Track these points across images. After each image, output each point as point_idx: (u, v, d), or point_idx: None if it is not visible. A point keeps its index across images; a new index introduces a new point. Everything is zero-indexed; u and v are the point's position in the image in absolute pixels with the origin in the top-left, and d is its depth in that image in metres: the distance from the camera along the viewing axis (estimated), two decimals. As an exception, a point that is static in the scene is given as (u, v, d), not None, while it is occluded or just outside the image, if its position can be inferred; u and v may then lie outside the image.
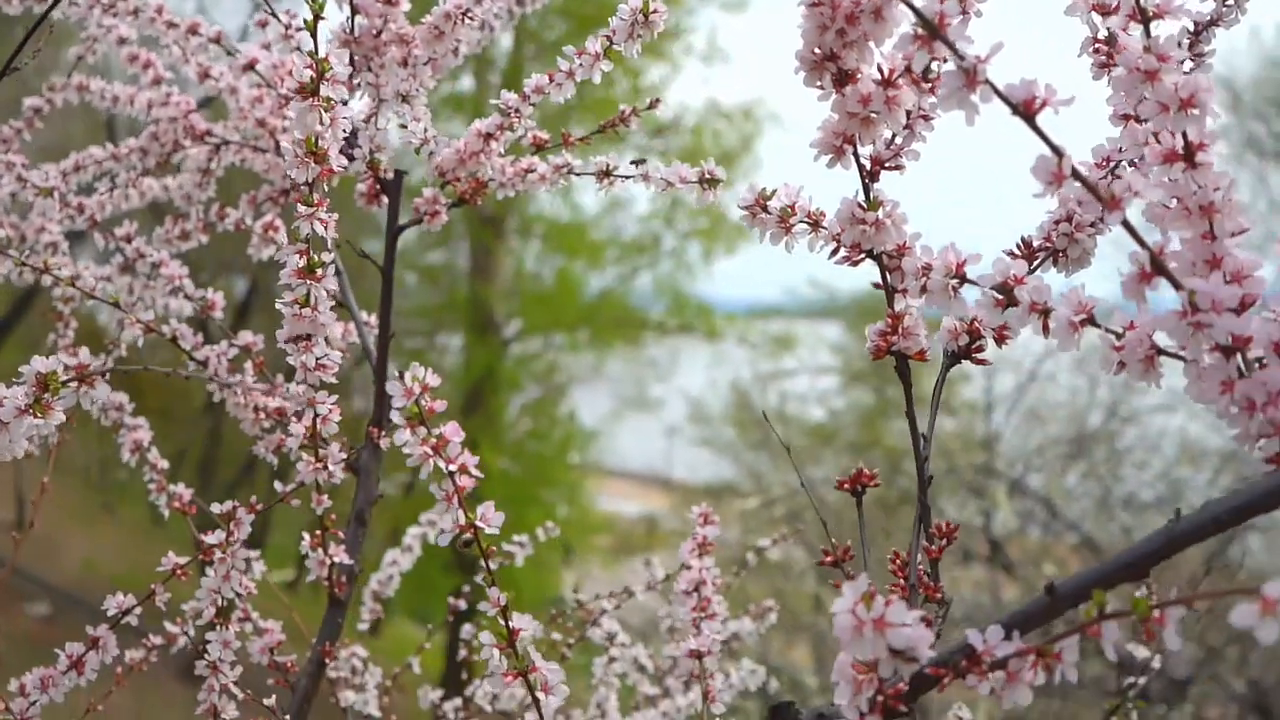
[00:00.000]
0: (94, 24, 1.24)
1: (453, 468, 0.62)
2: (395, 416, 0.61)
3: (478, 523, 0.63)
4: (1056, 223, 0.68)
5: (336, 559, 0.97)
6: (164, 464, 1.11)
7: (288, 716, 0.96)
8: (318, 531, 0.96)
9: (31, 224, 1.28)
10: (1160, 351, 0.54)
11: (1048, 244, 0.68)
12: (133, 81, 1.27)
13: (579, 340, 12.20)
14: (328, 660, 0.99)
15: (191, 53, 1.12)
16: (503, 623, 0.64)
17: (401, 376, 0.61)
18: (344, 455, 0.91)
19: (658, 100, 0.99)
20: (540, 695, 0.64)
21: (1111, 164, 0.69)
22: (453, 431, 0.63)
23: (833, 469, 8.10)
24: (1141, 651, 1.16)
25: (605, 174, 0.95)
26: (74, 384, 0.67)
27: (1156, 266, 0.51)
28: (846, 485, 0.67)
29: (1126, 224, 0.51)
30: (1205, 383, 0.51)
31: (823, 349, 10.13)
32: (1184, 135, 0.53)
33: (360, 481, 1.02)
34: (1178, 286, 0.51)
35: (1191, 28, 0.73)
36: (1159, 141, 0.54)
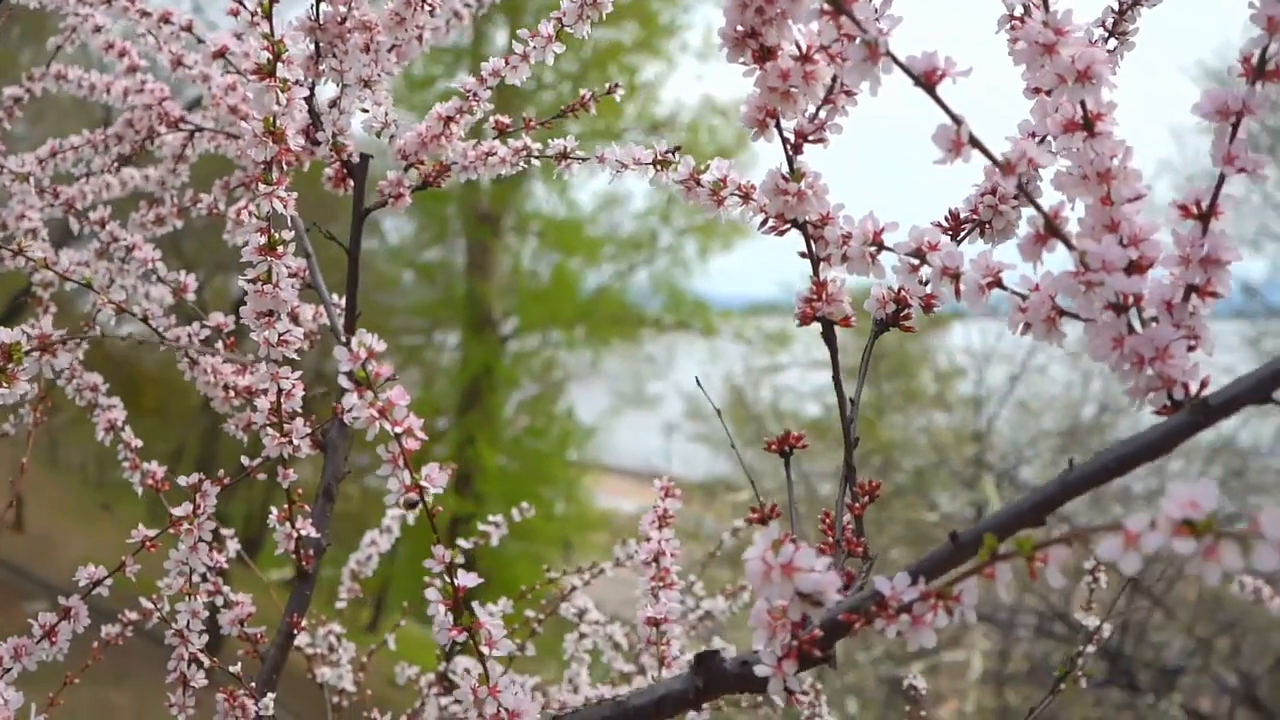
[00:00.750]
0: (70, 13, 1.26)
1: (399, 429, 0.65)
2: (343, 380, 0.64)
3: (422, 483, 0.66)
4: (982, 195, 0.70)
5: (304, 533, 0.99)
6: (137, 443, 1.13)
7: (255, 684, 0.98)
8: (285, 505, 0.98)
9: (11, 211, 1.30)
10: (1062, 312, 0.57)
11: (974, 215, 0.70)
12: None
13: (576, 337, 12.23)
14: (295, 631, 1.01)
15: (164, 41, 1.15)
16: (448, 580, 0.67)
17: (348, 343, 0.63)
18: (309, 430, 0.94)
19: (616, 85, 1.01)
20: (485, 650, 0.67)
21: (1038, 138, 0.72)
22: (399, 395, 0.66)
23: (827, 463, 8.13)
24: (1091, 620, 1.19)
25: (563, 156, 0.98)
26: (36, 353, 0.69)
27: (1051, 229, 0.54)
28: (774, 446, 0.69)
29: (1021, 188, 0.53)
30: (1099, 339, 0.54)
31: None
32: (1082, 105, 0.56)
33: (328, 457, 1.05)
34: (1071, 248, 0.54)
35: (1117, 6, 0.76)
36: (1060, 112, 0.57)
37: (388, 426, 0.65)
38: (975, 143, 0.53)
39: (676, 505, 1.03)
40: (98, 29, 1.24)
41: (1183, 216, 0.55)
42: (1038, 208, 0.54)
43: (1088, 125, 0.56)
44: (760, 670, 0.56)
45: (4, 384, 0.70)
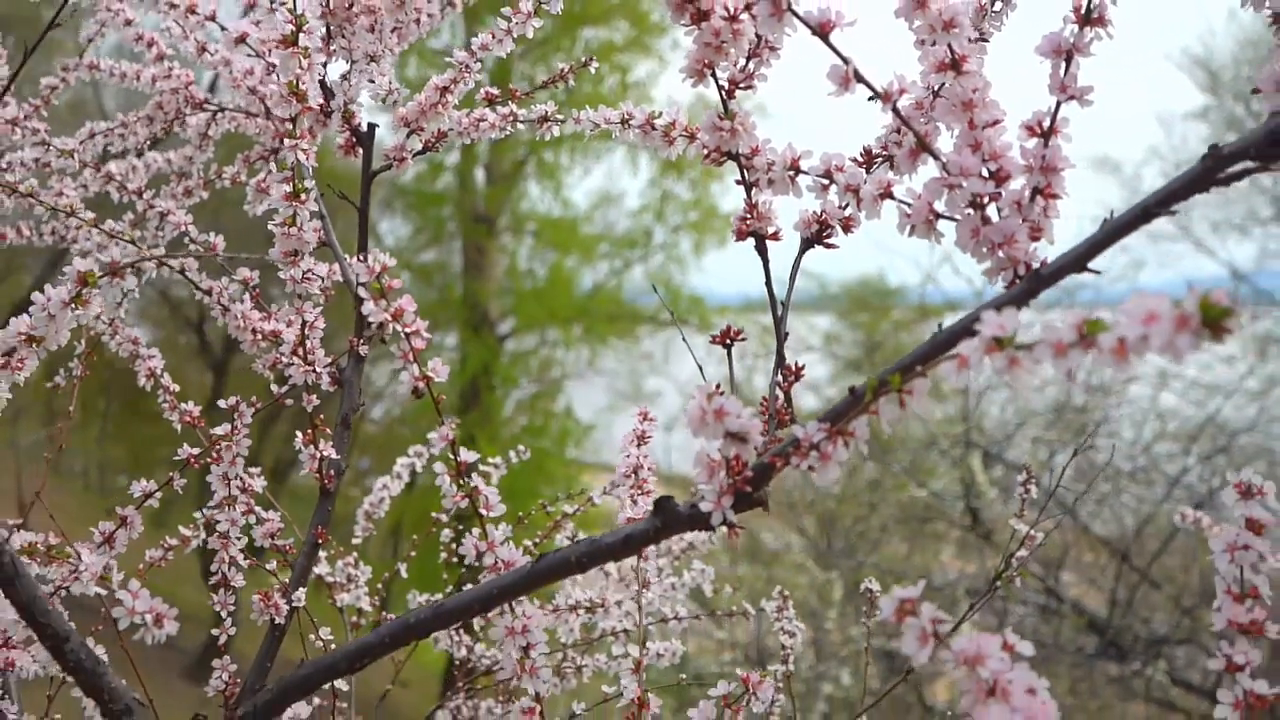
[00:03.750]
0: (103, 8, 1.41)
1: (409, 330, 0.79)
2: (362, 291, 0.78)
3: (429, 373, 0.80)
4: (890, 133, 0.85)
5: (326, 454, 1.14)
6: (175, 387, 1.27)
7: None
8: (309, 430, 1.13)
9: (51, 190, 1.45)
10: (937, 215, 0.72)
11: (884, 150, 0.85)
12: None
13: (573, 335, 12.37)
14: (321, 541, 1.16)
15: (190, 30, 1.29)
16: (451, 456, 0.82)
17: (365, 259, 0.78)
18: (330, 360, 1.09)
19: (591, 58, 1.16)
20: (484, 512, 0.82)
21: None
22: (408, 303, 0.80)
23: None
24: (1021, 526, 1.33)
25: (544, 119, 1.12)
26: (108, 277, 0.84)
27: (921, 145, 0.69)
28: (717, 340, 0.84)
29: (896, 112, 0.68)
30: (962, 231, 0.69)
31: (815, 338, 10.32)
32: (950, 49, 0.71)
33: (345, 391, 1.19)
34: (938, 159, 0.68)
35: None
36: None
37: (399, 328, 0.79)
38: (860, 78, 0.68)
39: (653, 427, 1.18)
40: (128, 23, 1.38)
41: (1029, 135, 0.70)
42: (911, 129, 0.68)
43: (955, 65, 0.71)
44: (704, 506, 0.71)
45: (79, 306, 0.84)
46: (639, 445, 1.15)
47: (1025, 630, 6.46)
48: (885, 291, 11.07)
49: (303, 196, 0.94)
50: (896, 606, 0.57)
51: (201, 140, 1.37)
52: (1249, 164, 0.62)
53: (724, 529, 0.73)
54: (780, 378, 0.79)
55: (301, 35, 0.86)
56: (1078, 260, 0.64)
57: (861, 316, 10.99)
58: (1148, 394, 7.19)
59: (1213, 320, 0.44)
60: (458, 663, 1.60)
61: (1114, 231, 0.62)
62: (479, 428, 10.63)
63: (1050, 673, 5.88)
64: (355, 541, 1.59)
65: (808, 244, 0.84)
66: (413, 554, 1.64)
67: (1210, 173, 0.62)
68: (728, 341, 0.82)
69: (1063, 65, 0.68)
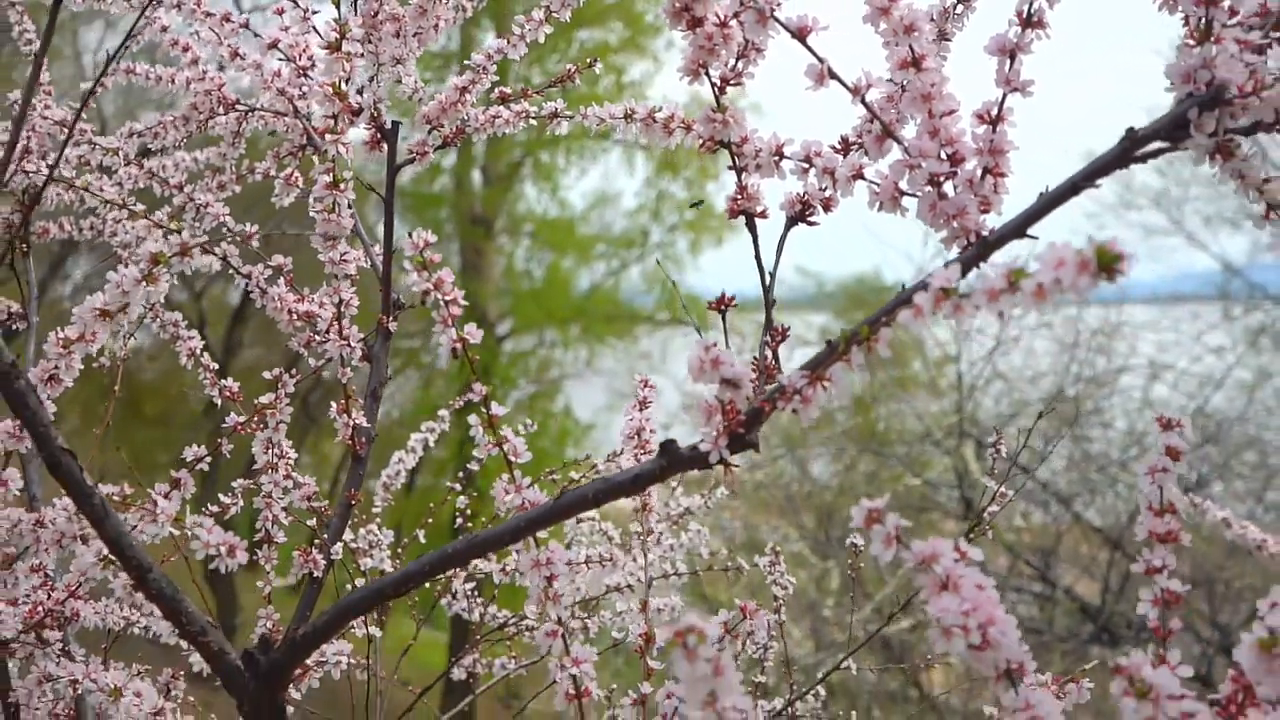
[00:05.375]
0: (141, 17, 1.52)
1: (448, 298, 0.91)
2: (407, 263, 0.89)
3: (465, 336, 0.91)
4: (863, 123, 0.96)
5: (358, 422, 1.25)
6: (215, 366, 1.39)
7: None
8: (343, 400, 1.24)
9: (94, 185, 1.56)
10: (902, 192, 0.83)
11: (858, 139, 0.96)
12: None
13: (571, 335, 12.47)
14: (353, 502, 1.27)
15: (225, 37, 1.40)
16: (484, 410, 0.93)
17: (411, 235, 0.89)
18: (363, 336, 1.20)
19: (595, 60, 1.27)
20: (512, 458, 0.93)
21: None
22: (447, 275, 0.91)
23: (825, 453, 8.40)
24: (991, 483, 1.44)
25: (554, 115, 1.24)
26: (178, 257, 0.95)
27: (886, 132, 0.80)
28: (714, 306, 0.95)
29: (864, 104, 0.79)
30: (922, 205, 0.80)
31: (812, 335, 10.45)
32: (911, 49, 0.82)
33: (374, 366, 1.30)
34: (901, 144, 0.79)
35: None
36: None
37: (439, 296, 0.91)
38: (833, 75, 0.79)
39: (653, 395, 1.29)
40: (165, 29, 1.50)
41: (979, 123, 0.81)
42: (877, 118, 0.80)
43: (915, 63, 0.82)
44: (703, 446, 0.82)
45: (149, 283, 0.95)
46: (641, 410, 1.26)
47: (1021, 617, 6.58)
48: (881, 289, 11.19)
49: (341, 186, 1.05)
50: (865, 515, 0.68)
51: (234, 138, 1.48)
52: (1161, 144, 0.73)
53: (720, 468, 0.84)
54: (769, 337, 0.91)
55: (345, 41, 0.97)
56: (1017, 228, 0.76)
57: (858, 314, 11.12)
58: (1140, 385, 7.31)
59: (1106, 264, 0.56)
60: (473, 626, 1.71)
61: (1048, 203, 0.74)
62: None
63: (1044, 659, 6.00)
64: (375, 510, 1.70)
65: (792, 221, 0.95)
66: (429, 521, 1.76)
67: (1128, 152, 0.73)
68: (722, 308, 0.94)
69: (1008, 62, 0.80)
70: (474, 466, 1.68)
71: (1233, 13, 0.72)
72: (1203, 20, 0.72)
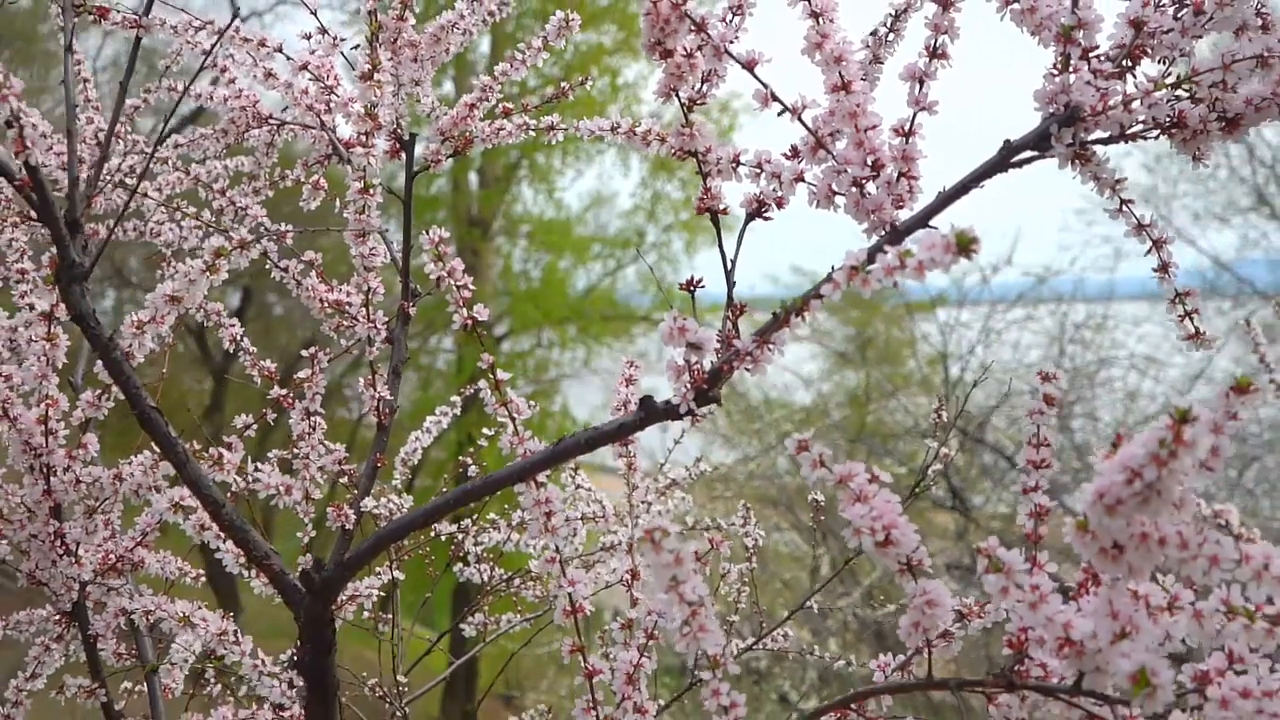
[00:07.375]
0: (180, 42, 1.71)
1: (460, 283, 1.10)
2: (425, 254, 1.08)
3: (474, 314, 1.10)
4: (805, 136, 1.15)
5: (382, 395, 1.44)
6: (254, 349, 1.57)
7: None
8: (370, 375, 1.43)
9: (141, 190, 1.75)
10: (834, 192, 1.02)
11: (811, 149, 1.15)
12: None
13: (568, 336, 12.65)
14: (379, 465, 1.46)
15: (261, 60, 1.59)
16: (492, 376, 1.12)
17: (427, 233, 1.08)
18: (387, 319, 1.39)
19: (586, 78, 1.46)
20: (515, 416, 1.12)
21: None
22: (458, 263, 1.10)
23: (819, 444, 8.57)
24: (931, 443, 1.63)
25: (552, 128, 1.43)
26: (237, 249, 1.14)
27: (818, 143, 0.99)
28: (685, 286, 1.14)
29: (800, 120, 0.98)
30: (848, 203, 0.99)
31: (805, 332, 10.66)
32: (840, 75, 1.01)
33: (395, 346, 1.49)
34: (830, 153, 0.99)
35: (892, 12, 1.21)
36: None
37: (453, 282, 1.10)
38: (775, 98, 0.98)
39: (639, 374, 1.48)
40: (205, 52, 1.68)
41: (895, 135, 1.00)
42: (811, 132, 0.99)
43: (845, 87, 1.01)
44: (674, 400, 1.01)
45: (211, 273, 1.14)
46: (627, 386, 1.45)
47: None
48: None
49: (371, 191, 1.24)
50: (795, 444, 0.87)
51: (267, 149, 1.67)
52: (1031, 153, 0.93)
53: (689, 419, 1.03)
54: (730, 312, 1.10)
55: (377, 72, 1.17)
56: (919, 220, 0.95)
57: (852, 312, 11.31)
58: (1126, 379, 7.51)
59: (963, 246, 0.75)
60: (481, 587, 1.90)
61: (943, 201, 0.93)
62: (477, 428, 10.92)
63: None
64: (394, 483, 1.89)
65: (750, 217, 1.15)
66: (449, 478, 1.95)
67: (1005, 159, 0.92)
68: (691, 288, 1.13)
69: (917, 86, 0.99)
70: (484, 443, 1.87)
71: (1087, 52, 0.91)
72: (1062, 54, 0.91)
